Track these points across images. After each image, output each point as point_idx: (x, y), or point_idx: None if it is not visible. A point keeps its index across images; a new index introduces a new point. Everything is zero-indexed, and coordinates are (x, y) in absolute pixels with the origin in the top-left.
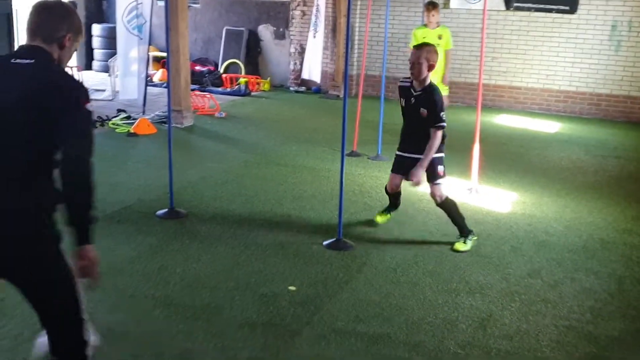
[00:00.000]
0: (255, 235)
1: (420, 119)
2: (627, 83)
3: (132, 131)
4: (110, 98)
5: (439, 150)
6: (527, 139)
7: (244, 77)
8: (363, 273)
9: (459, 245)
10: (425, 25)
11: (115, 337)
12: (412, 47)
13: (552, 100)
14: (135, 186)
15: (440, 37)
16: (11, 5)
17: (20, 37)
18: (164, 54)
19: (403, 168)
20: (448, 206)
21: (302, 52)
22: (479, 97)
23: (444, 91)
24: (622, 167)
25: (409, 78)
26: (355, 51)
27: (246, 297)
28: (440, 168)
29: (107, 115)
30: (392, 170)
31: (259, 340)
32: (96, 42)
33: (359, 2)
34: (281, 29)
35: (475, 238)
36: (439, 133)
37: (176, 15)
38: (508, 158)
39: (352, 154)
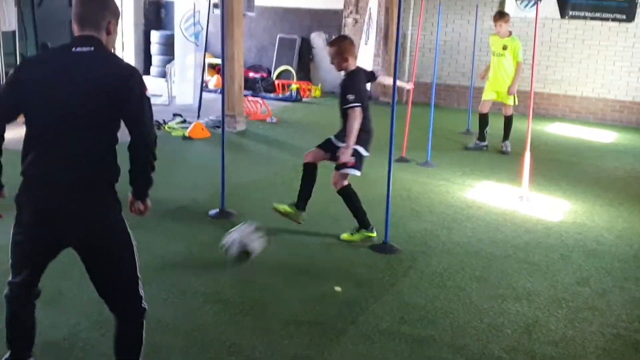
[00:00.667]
0: (303, 236)
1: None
2: None
3: (187, 135)
4: (167, 103)
5: (358, 142)
6: (581, 148)
7: (296, 84)
8: (409, 276)
9: (346, 236)
10: (497, 33)
11: (166, 330)
12: None
13: (608, 109)
14: (189, 187)
15: (504, 48)
16: None
17: None
18: (219, 61)
19: (330, 150)
20: (347, 195)
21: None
22: (530, 105)
23: (510, 100)
24: None
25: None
26: (407, 58)
27: (293, 295)
28: (349, 158)
29: (163, 119)
30: (318, 145)
31: (304, 338)
32: (154, 48)
33: (411, 10)
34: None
35: (373, 235)
36: (352, 114)
37: (232, 23)
38: (560, 167)
39: (401, 159)
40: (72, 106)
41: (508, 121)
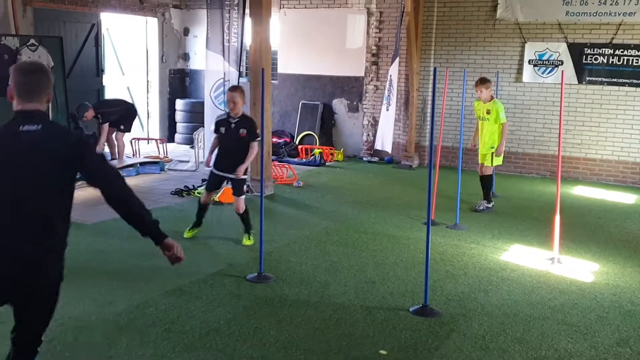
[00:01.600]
0: (342, 301)
1: (239, 139)
2: None
3: (217, 200)
4: (194, 168)
5: (245, 172)
6: (605, 210)
7: (319, 148)
8: (452, 339)
9: (246, 241)
10: (479, 98)
11: None
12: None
13: (628, 172)
14: (224, 252)
15: (488, 112)
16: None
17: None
18: None
19: (216, 184)
20: (245, 215)
21: (374, 124)
22: (559, 169)
23: (498, 161)
24: None
25: (225, 114)
26: (427, 123)
27: (339, 359)
28: (245, 187)
29: (193, 185)
30: (207, 188)
31: None
32: (179, 115)
33: (430, 77)
34: (355, 103)
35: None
36: (256, 145)
37: (264, 91)
38: (587, 229)
39: (431, 222)
40: (23, 184)
41: (484, 181)
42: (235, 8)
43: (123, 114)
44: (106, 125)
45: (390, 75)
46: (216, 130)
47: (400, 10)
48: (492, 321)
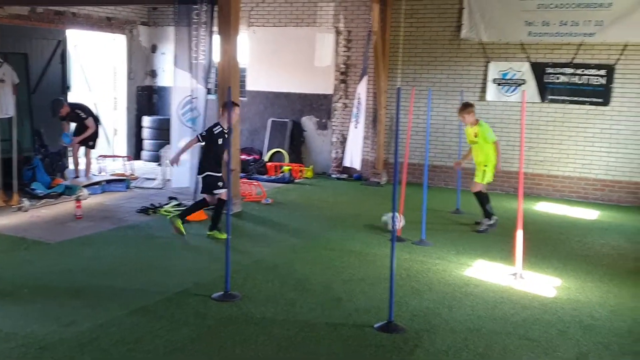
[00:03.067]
0: (308, 318)
1: (220, 147)
2: None
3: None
4: (161, 186)
5: (218, 171)
6: (567, 226)
7: (288, 165)
8: (415, 355)
9: (218, 235)
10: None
11: None
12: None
13: (590, 188)
14: (190, 270)
15: (476, 135)
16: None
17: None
18: None
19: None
20: (219, 205)
21: (343, 141)
22: (521, 185)
23: (489, 178)
24: None
25: (220, 126)
26: (399, 140)
27: None
28: (219, 184)
29: (159, 203)
30: (224, 187)
31: None
32: (146, 132)
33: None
34: (323, 120)
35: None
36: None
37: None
38: (550, 244)
39: (397, 239)
40: None
41: (478, 198)
42: (203, 26)
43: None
44: (91, 121)
45: (359, 93)
46: (210, 139)
47: (367, 30)
48: (455, 337)
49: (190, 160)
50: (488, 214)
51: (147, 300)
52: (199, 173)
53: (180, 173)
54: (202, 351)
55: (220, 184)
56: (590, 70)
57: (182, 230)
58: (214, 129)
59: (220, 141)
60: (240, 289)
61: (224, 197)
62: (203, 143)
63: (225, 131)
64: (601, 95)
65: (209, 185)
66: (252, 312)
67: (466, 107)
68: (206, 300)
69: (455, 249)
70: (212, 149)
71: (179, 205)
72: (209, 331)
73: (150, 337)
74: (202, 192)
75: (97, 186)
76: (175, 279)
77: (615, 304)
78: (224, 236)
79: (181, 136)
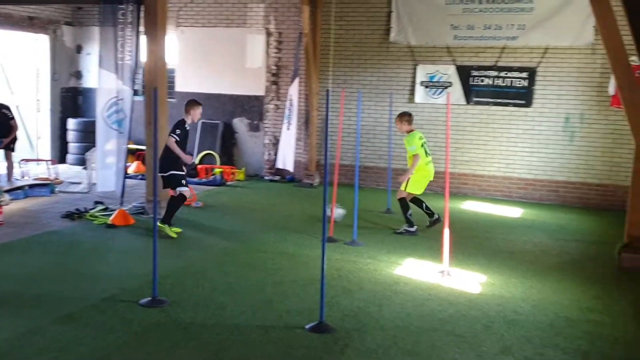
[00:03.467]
0: (239, 322)
1: (185, 144)
2: (583, 170)
3: (110, 222)
4: (86, 190)
5: (182, 169)
6: (492, 224)
7: (219, 168)
8: (345, 355)
9: (168, 230)
10: None
11: None
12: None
13: (514, 187)
14: (117, 276)
15: (408, 144)
16: None
17: None
18: (139, 147)
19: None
20: (178, 201)
21: (275, 143)
22: (447, 185)
23: (410, 189)
24: (582, 250)
25: (185, 122)
26: (329, 142)
27: None
28: (183, 182)
29: (85, 207)
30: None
31: None
32: (71, 135)
33: (331, 97)
34: (255, 122)
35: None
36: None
37: (157, 110)
38: (476, 242)
39: (329, 239)
40: None
41: (399, 203)
42: (129, 26)
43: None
44: (15, 122)
45: (290, 95)
46: (184, 136)
47: (298, 32)
48: (384, 335)
49: (115, 163)
50: (408, 221)
51: (72, 307)
52: (162, 172)
53: (106, 177)
54: (129, 358)
55: (183, 181)
56: (513, 73)
57: (173, 234)
58: (186, 126)
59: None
60: (169, 294)
61: (186, 194)
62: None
63: (188, 128)
64: (523, 97)
65: (173, 182)
66: (181, 317)
67: (400, 116)
68: (133, 306)
69: (386, 249)
70: (183, 145)
71: (105, 209)
72: (135, 337)
73: (75, 345)
74: (164, 188)
75: (19, 191)
76: (101, 285)
77: (538, 299)
78: (174, 234)
79: (107, 139)
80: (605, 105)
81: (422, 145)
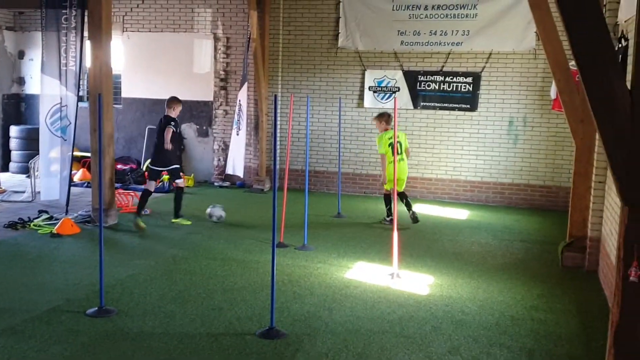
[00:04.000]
0: (188, 330)
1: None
2: (527, 172)
3: (55, 232)
4: (30, 199)
5: (180, 162)
6: (440, 226)
7: (168, 174)
8: (296, 359)
9: (183, 221)
10: None
11: None
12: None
13: (460, 189)
14: (62, 286)
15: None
16: None
17: None
18: (84, 154)
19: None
20: (179, 194)
21: (225, 148)
22: (395, 189)
23: (387, 186)
24: (527, 250)
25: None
26: (278, 147)
27: None
28: (181, 174)
29: (28, 217)
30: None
31: None
32: (13, 143)
33: (280, 102)
34: (204, 127)
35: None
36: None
37: (102, 116)
38: (424, 244)
39: (280, 245)
40: None
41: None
42: (73, 31)
43: None
44: None
45: (240, 100)
46: (176, 127)
47: (246, 36)
48: (335, 338)
49: (60, 171)
50: (388, 213)
51: (14, 320)
52: (167, 166)
53: (51, 185)
54: None
55: (181, 173)
56: (458, 78)
57: (188, 222)
58: (176, 119)
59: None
60: (116, 304)
61: (181, 185)
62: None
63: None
64: (469, 101)
65: (174, 175)
66: (129, 326)
67: (378, 116)
68: (79, 316)
69: (337, 252)
70: (175, 140)
71: (49, 218)
72: (82, 349)
73: (18, 358)
74: (173, 180)
75: None
76: (46, 296)
77: (484, 299)
78: (189, 222)
79: (51, 146)
80: (547, 108)
81: (389, 145)
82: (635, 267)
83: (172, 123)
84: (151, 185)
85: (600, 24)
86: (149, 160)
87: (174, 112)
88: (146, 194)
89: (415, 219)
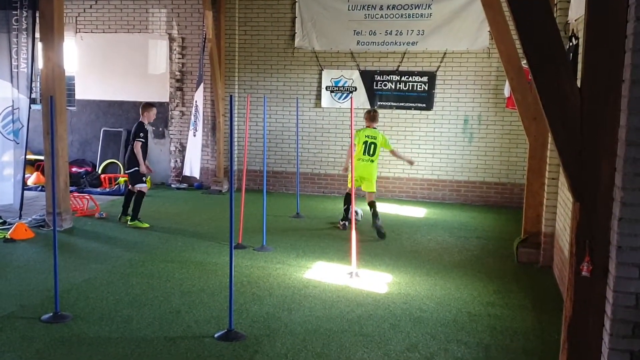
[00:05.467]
0: (145, 334)
1: (147, 143)
2: (482, 170)
3: (8, 237)
4: None
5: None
6: (398, 224)
7: (123, 177)
8: None
9: (140, 224)
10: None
11: None
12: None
13: (417, 188)
14: (16, 292)
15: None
16: None
17: None
18: (38, 157)
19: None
20: (139, 197)
21: (182, 150)
22: (353, 188)
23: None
24: (483, 246)
25: (145, 123)
26: (236, 148)
27: None
28: (143, 178)
29: None
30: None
31: None
32: None
33: (237, 102)
34: (160, 129)
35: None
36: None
37: (54, 119)
38: (382, 242)
39: (238, 246)
40: None
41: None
42: (24, 32)
43: None
44: None
45: (196, 101)
46: (146, 137)
47: (202, 37)
48: (294, 339)
49: (13, 175)
50: (345, 215)
51: None
52: (127, 169)
53: (4, 189)
54: None
55: (144, 178)
56: (414, 77)
57: (145, 224)
58: (145, 127)
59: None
60: (72, 309)
61: (144, 190)
62: (138, 142)
63: (147, 129)
64: (425, 100)
65: (134, 178)
66: (85, 332)
67: (366, 112)
68: (34, 322)
69: (296, 253)
70: (144, 146)
71: (3, 223)
72: (37, 355)
73: None
74: (130, 185)
75: None
76: None
77: (441, 296)
78: (147, 225)
79: (4, 150)
80: (501, 107)
81: (363, 143)
82: (587, 262)
83: (141, 134)
84: (144, 188)
85: (550, 23)
86: (124, 168)
87: (147, 118)
88: (140, 196)
89: (380, 233)
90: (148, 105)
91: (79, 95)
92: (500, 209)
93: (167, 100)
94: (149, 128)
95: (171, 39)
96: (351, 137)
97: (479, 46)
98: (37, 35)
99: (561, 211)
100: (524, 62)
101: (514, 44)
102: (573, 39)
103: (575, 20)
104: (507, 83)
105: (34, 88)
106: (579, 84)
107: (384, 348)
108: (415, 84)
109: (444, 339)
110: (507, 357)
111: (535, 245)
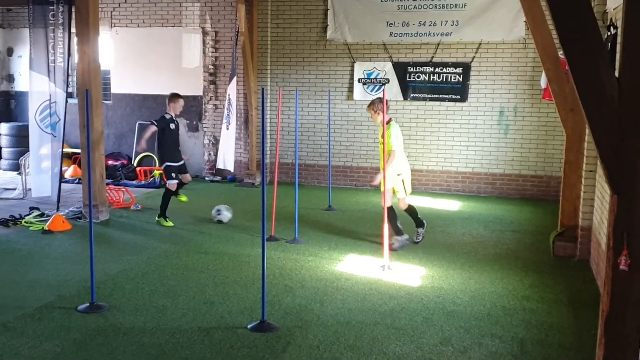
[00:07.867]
0: (179, 324)
1: (175, 132)
2: (518, 162)
3: (46, 228)
4: (21, 196)
5: (176, 160)
6: (432, 217)
7: (158, 170)
8: (287, 352)
9: (164, 222)
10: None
11: None
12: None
13: (452, 181)
14: (54, 283)
15: (383, 136)
16: None
17: None
18: (75, 150)
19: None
20: (165, 193)
21: (216, 143)
22: (384, 180)
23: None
24: (519, 240)
25: (169, 114)
26: (268, 141)
27: None
28: (172, 175)
29: (19, 214)
30: (177, 178)
31: None
32: (4, 140)
33: (269, 95)
34: (194, 122)
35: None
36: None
37: (91, 113)
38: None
39: (271, 238)
40: None
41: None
42: (61, 27)
43: None
44: None
45: (229, 94)
46: (164, 123)
47: (235, 30)
48: (326, 331)
49: (51, 168)
50: (418, 222)
51: (6, 317)
52: (159, 164)
53: (42, 182)
54: None
55: (173, 174)
56: (448, 68)
57: (169, 223)
58: (165, 115)
59: (172, 126)
60: (108, 300)
61: (172, 188)
62: (156, 129)
63: (175, 118)
64: (459, 92)
65: (166, 174)
66: (121, 322)
67: (370, 104)
68: (71, 312)
69: (328, 245)
70: (166, 135)
71: (41, 215)
72: (74, 345)
73: (10, 355)
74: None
75: None
76: (37, 293)
77: (475, 290)
78: (171, 224)
79: (41, 143)
80: (537, 98)
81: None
82: (625, 256)
83: (155, 122)
84: (172, 185)
85: (588, 12)
86: (160, 161)
87: (173, 109)
88: (168, 193)
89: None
90: (174, 96)
91: (115, 89)
92: (536, 202)
93: (201, 93)
94: (174, 118)
95: (204, 33)
96: (384, 132)
97: (514, 37)
98: (73, 29)
99: (599, 204)
100: (560, 52)
101: (551, 34)
102: (611, 28)
103: (614, 9)
104: (543, 74)
105: (70, 82)
106: (617, 74)
107: (416, 341)
108: (449, 75)
109: (478, 333)
110: (543, 351)
111: (572, 239)
